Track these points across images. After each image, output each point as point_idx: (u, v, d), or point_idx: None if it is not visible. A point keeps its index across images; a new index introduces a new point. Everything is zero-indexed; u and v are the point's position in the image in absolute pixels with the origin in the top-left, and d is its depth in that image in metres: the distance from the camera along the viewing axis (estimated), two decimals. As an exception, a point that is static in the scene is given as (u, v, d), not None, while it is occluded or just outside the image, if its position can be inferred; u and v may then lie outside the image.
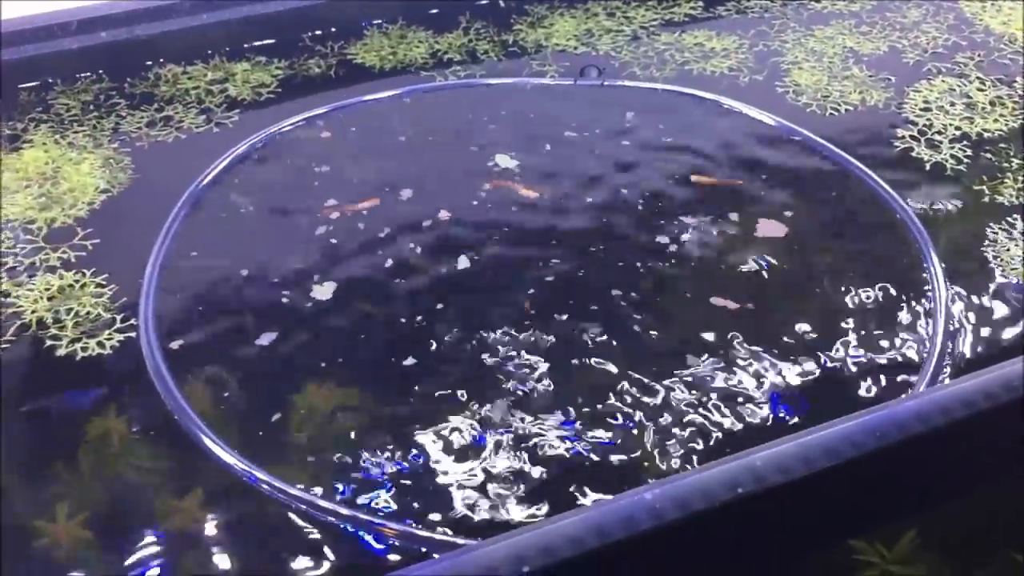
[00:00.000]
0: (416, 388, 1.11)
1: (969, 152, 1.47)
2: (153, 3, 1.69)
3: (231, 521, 0.98)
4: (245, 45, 1.73)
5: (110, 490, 1.01)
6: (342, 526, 0.97)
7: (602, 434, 1.05)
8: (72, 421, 1.07)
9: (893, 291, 1.23)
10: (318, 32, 1.77)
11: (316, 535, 0.96)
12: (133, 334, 1.17)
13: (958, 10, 1.86)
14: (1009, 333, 1.19)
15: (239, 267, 1.29)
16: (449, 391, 1.10)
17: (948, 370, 1.13)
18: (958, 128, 1.53)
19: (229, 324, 1.20)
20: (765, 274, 1.27)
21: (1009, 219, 1.34)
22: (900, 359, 1.14)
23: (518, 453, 1.04)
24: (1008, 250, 1.29)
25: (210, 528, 0.97)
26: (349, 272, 1.28)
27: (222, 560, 0.94)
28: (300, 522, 0.97)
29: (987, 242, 1.31)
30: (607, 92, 1.63)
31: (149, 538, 0.96)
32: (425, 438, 1.05)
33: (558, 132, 1.53)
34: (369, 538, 0.96)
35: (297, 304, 1.23)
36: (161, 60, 1.69)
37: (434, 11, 1.82)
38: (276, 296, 1.24)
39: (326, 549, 0.95)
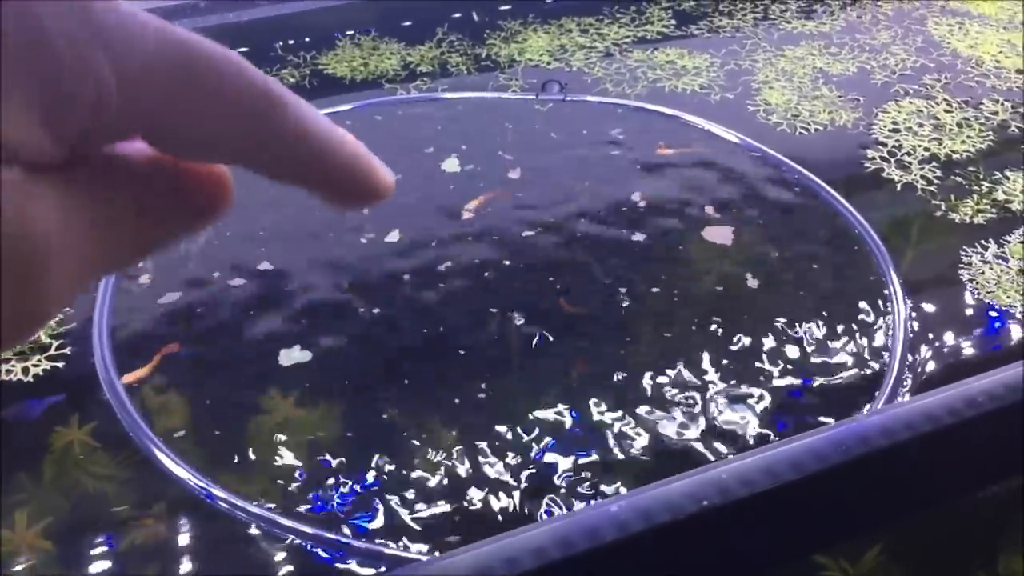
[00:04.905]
0: (385, 402, 1.10)
1: (939, 173, 1.49)
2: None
3: (188, 537, 0.96)
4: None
5: (67, 500, 0.99)
6: (300, 543, 0.95)
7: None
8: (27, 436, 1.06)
9: (854, 311, 1.24)
10: (291, 41, 1.76)
11: (273, 551, 0.95)
12: (87, 346, 1.15)
13: (926, 33, 1.89)
14: (971, 353, 1.19)
15: (200, 275, 1.27)
16: (417, 407, 1.09)
17: (908, 383, 1.14)
18: (927, 149, 1.55)
19: (191, 330, 1.19)
20: (720, 293, 1.27)
21: (983, 241, 1.35)
22: (861, 376, 1.15)
23: (487, 467, 1.03)
24: (983, 273, 1.30)
25: (168, 544, 0.95)
26: (315, 280, 1.27)
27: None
28: (259, 538, 0.96)
29: (955, 263, 1.32)
30: (571, 106, 1.64)
31: (105, 553, 0.94)
32: (391, 454, 1.04)
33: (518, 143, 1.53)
34: (327, 554, 0.95)
35: (260, 312, 1.21)
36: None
37: (407, 23, 1.82)
38: (236, 304, 1.23)
39: (282, 565, 0.94)
